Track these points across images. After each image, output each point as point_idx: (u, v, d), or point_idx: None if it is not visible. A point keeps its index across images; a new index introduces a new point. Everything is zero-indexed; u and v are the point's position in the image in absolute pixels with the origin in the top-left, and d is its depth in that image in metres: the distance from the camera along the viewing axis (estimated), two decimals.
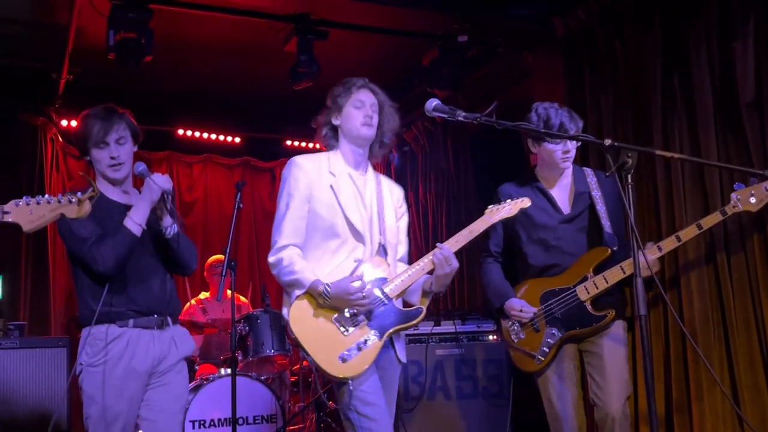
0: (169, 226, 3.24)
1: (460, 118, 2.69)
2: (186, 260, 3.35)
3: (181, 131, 7.93)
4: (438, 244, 3.17)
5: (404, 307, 3.19)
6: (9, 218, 2.26)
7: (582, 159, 4.74)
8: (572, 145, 3.63)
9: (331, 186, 3.19)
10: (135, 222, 3.11)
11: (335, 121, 3.29)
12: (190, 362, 5.31)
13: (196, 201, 8.28)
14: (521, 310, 3.60)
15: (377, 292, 3.11)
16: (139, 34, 5.07)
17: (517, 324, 3.65)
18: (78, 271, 3.20)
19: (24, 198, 2.32)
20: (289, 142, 8.37)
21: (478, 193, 6.71)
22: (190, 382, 4.93)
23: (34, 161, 7.00)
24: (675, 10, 4.35)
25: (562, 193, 3.73)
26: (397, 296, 3.17)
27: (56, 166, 7.21)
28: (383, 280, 3.16)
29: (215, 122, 8.07)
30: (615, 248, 3.55)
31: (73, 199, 2.40)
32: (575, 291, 3.55)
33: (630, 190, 2.42)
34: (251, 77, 6.83)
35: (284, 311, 3.16)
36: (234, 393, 4.13)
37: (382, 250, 3.24)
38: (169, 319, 3.29)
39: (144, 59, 5.17)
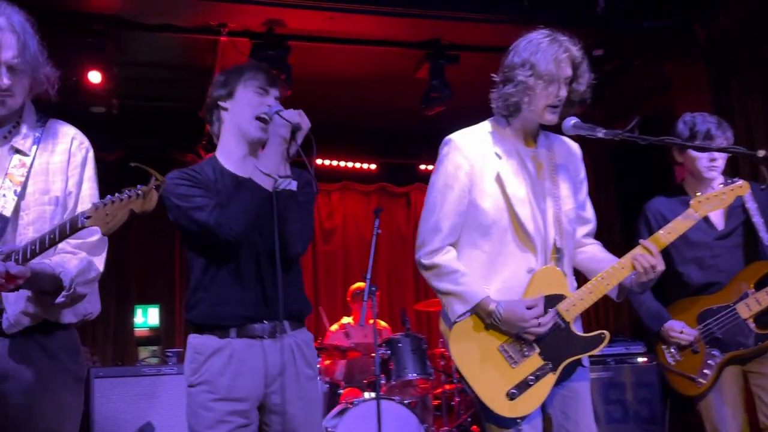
0: (283, 178, 2.53)
1: (600, 135, 2.59)
2: (286, 230, 2.54)
3: (319, 161, 8.19)
4: (642, 242, 2.63)
5: (583, 331, 2.66)
6: (88, 223, 2.15)
7: (733, 171, 4.51)
8: (719, 154, 3.45)
9: (498, 174, 2.64)
10: (262, 172, 2.47)
11: (516, 98, 2.63)
12: (335, 385, 5.43)
13: (335, 228, 8.52)
14: (682, 332, 3.40)
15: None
16: (279, 70, 5.29)
17: (674, 346, 3.48)
18: (193, 262, 2.60)
19: (100, 200, 2.18)
20: (423, 167, 8.44)
21: (622, 217, 6.52)
22: (335, 406, 5.02)
23: None
24: None
25: None
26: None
27: None
28: (559, 298, 2.63)
29: (351, 150, 8.31)
30: None
31: (140, 192, 2.16)
32: (735, 309, 3.36)
33: None
34: (384, 105, 6.97)
35: (442, 327, 2.71)
36: (379, 417, 4.20)
37: (557, 253, 2.67)
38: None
39: (284, 94, 5.38)
